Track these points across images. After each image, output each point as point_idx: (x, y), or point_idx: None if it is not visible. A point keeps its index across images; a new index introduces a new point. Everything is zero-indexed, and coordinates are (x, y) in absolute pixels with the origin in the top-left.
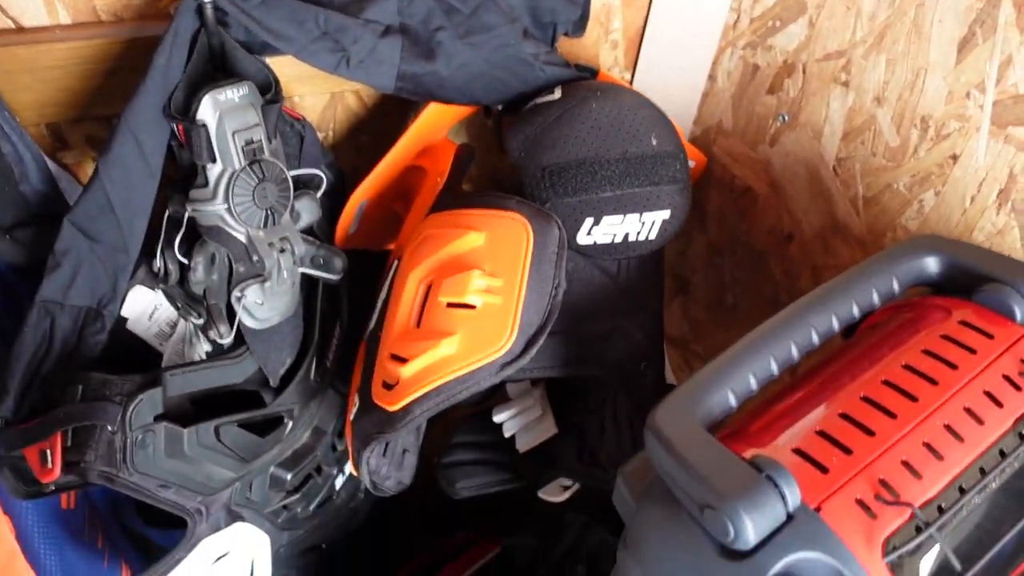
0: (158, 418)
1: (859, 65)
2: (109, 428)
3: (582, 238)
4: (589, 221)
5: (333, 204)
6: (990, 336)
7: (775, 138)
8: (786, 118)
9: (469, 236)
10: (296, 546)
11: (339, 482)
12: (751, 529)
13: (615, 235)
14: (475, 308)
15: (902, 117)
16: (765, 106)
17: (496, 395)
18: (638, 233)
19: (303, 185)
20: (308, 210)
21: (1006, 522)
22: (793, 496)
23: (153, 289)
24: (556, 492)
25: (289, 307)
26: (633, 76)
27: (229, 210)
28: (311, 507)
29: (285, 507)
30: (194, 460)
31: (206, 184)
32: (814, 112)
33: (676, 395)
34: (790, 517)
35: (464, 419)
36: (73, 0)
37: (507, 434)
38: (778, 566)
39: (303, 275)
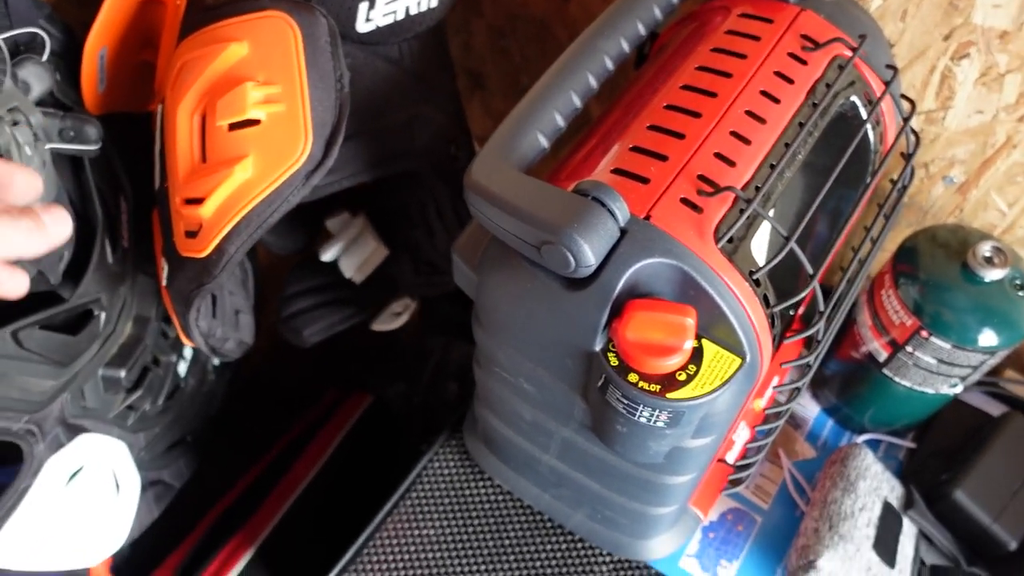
0: None
1: None
2: None
3: (362, 25)
4: (364, 6)
5: (73, 66)
6: (769, 20)
7: None
8: None
9: (230, 48)
10: (156, 445)
11: (183, 369)
12: (590, 252)
13: (395, 12)
14: (260, 123)
15: None
16: None
17: (319, 237)
18: (418, 3)
19: (23, 50)
20: (36, 76)
21: (814, 192)
22: (622, 211)
23: None
24: (389, 320)
25: (48, 190)
26: None
27: None
28: (159, 401)
29: (131, 407)
30: (1, 375)
31: None
32: None
33: (487, 149)
34: (623, 232)
35: (293, 269)
36: None
37: (342, 269)
38: (623, 280)
39: (62, 155)
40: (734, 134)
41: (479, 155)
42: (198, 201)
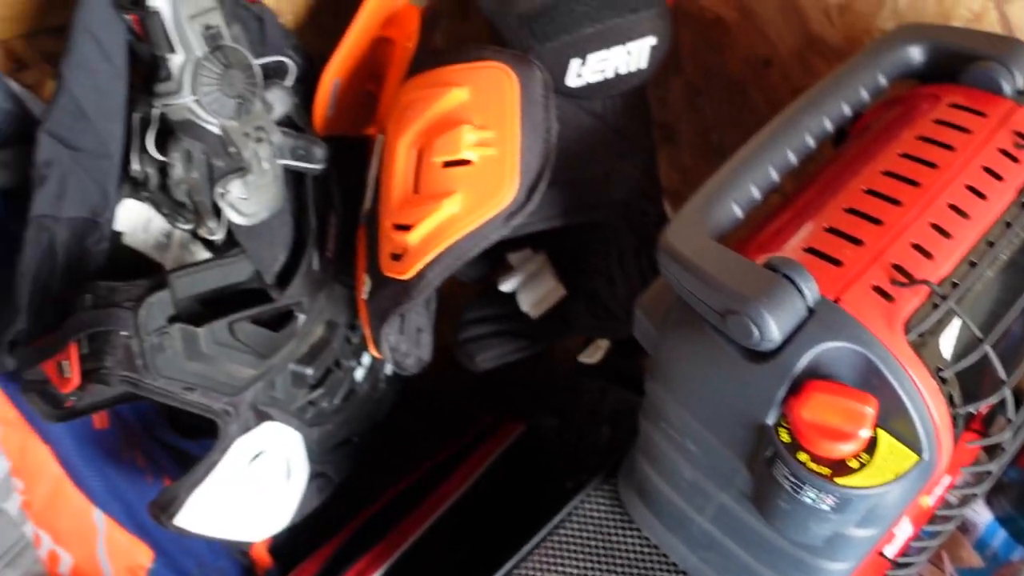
0: (172, 320)
1: None
2: (123, 333)
3: (572, 80)
4: (576, 62)
5: (308, 92)
6: (982, 114)
7: None
8: None
9: (452, 92)
10: (327, 441)
11: (359, 374)
12: (775, 327)
13: (604, 71)
14: (472, 163)
15: None
16: None
17: (500, 268)
18: (628, 64)
19: (271, 75)
20: (280, 100)
21: (1013, 293)
22: (811, 290)
23: (142, 201)
24: (593, 353)
25: (276, 201)
26: None
27: (198, 101)
28: (336, 401)
29: (311, 403)
30: (213, 359)
31: (170, 77)
32: None
33: (683, 214)
34: (811, 312)
35: (476, 297)
36: None
37: (519, 302)
38: (805, 360)
39: (288, 170)
40: (935, 226)
41: (675, 219)
42: (407, 228)
